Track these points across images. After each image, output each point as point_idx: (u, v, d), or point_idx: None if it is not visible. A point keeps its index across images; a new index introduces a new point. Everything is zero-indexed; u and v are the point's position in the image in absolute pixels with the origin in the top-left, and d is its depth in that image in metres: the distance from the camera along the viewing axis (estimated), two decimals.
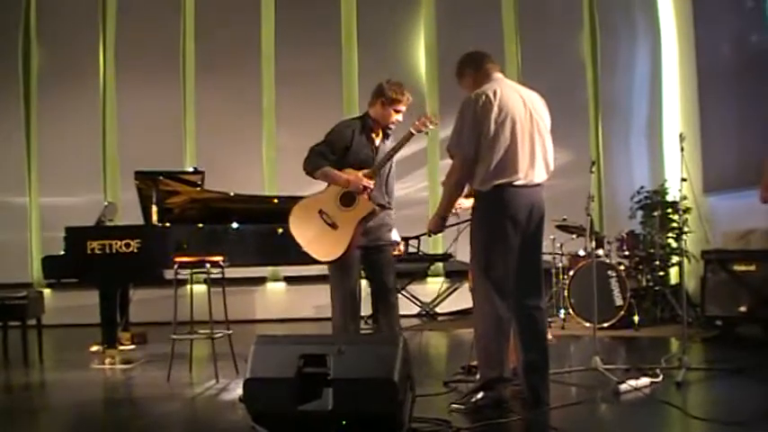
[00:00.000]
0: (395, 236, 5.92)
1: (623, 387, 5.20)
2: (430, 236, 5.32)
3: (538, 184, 4.86)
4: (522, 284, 4.83)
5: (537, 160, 4.83)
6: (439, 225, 5.01)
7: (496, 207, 4.75)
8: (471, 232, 4.91)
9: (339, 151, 5.64)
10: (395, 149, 5.63)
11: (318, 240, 5.62)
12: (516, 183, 4.74)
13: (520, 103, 4.81)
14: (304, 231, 5.69)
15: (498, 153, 4.71)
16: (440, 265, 10.50)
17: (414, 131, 5.65)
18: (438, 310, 10.43)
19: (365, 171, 5.58)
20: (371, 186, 5.56)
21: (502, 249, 4.75)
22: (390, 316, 5.72)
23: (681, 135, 6.05)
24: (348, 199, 5.59)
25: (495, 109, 4.71)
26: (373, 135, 5.78)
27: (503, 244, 4.75)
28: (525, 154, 4.77)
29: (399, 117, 5.75)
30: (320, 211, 5.64)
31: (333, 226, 5.59)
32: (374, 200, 5.62)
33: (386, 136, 5.84)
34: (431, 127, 5.75)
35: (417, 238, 5.99)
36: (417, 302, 10.30)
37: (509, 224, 4.74)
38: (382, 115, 5.73)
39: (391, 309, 5.74)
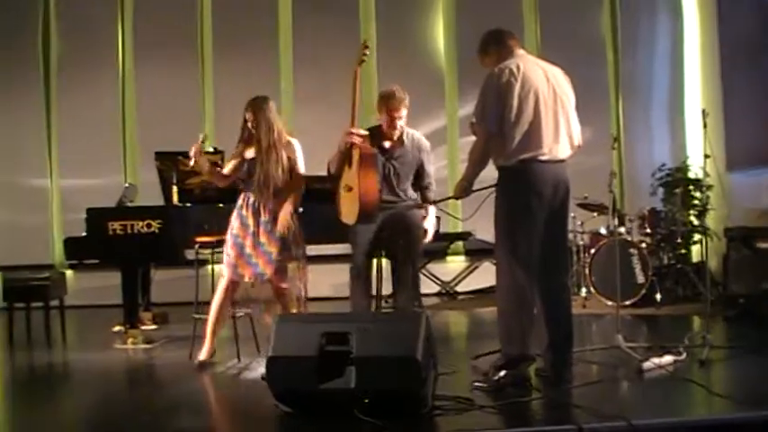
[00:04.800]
0: (429, 224, 6.02)
1: (646, 365, 5.17)
2: (457, 199, 5.34)
3: (562, 160, 4.82)
4: (546, 262, 4.80)
5: (561, 135, 4.80)
6: (466, 190, 5.00)
7: (522, 182, 4.72)
8: (495, 208, 4.88)
9: None
10: (353, 97, 5.80)
11: (346, 208, 5.82)
12: (541, 158, 4.70)
13: (543, 78, 4.78)
14: (342, 209, 5.89)
15: (522, 128, 4.68)
16: (459, 243, 10.48)
17: (357, 68, 5.81)
18: (458, 289, 10.42)
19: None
20: (354, 131, 5.75)
21: (527, 225, 4.72)
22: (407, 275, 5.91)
23: (704, 111, 6.00)
24: (350, 159, 5.81)
25: (519, 83, 4.68)
26: (385, 142, 5.97)
27: (528, 220, 4.72)
28: (549, 129, 4.73)
29: (395, 123, 5.91)
30: (344, 186, 5.83)
31: (350, 189, 5.77)
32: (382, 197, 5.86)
33: (400, 144, 5.97)
34: (367, 52, 5.87)
35: (441, 201, 5.97)
36: (437, 281, 10.29)
37: (534, 200, 4.71)
38: (385, 121, 5.92)
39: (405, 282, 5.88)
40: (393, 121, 5.87)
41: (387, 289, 6.32)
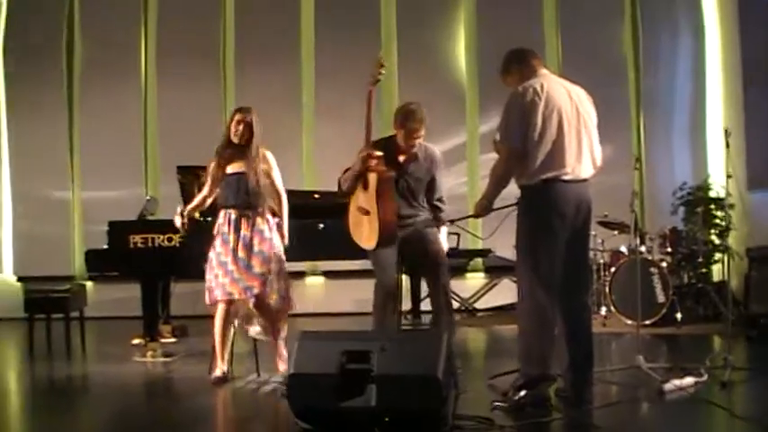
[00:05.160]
0: (443, 238, 5.98)
1: (667, 386, 5.12)
2: (476, 218, 5.31)
3: (585, 180, 4.81)
4: (568, 281, 4.77)
5: (584, 155, 4.78)
6: (486, 208, 4.98)
7: (544, 202, 4.70)
8: (517, 227, 4.87)
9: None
10: (367, 116, 5.70)
11: (364, 232, 5.74)
12: (564, 177, 4.69)
13: (566, 98, 4.77)
14: (357, 232, 5.82)
15: (545, 147, 4.67)
16: (479, 260, 10.46)
17: (371, 87, 5.69)
18: (477, 305, 10.39)
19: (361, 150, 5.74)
20: (372, 154, 5.66)
21: (549, 245, 4.70)
22: (437, 292, 5.79)
23: (726, 131, 5.96)
24: (365, 182, 5.73)
25: (543, 102, 4.67)
26: (399, 156, 5.88)
27: (550, 239, 4.70)
28: (572, 148, 4.72)
29: (413, 143, 5.83)
30: (358, 207, 5.76)
31: (367, 212, 5.69)
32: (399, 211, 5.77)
33: (414, 159, 5.90)
34: (382, 71, 5.73)
35: (460, 220, 5.90)
36: (456, 298, 10.25)
37: (557, 219, 4.69)
38: (402, 138, 5.83)
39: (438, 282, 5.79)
40: (412, 140, 5.81)
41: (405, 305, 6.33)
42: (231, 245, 5.83)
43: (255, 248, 5.82)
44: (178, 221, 6.01)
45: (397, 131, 5.86)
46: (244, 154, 5.90)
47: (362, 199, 5.74)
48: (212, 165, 6.03)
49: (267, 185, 5.93)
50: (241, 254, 5.81)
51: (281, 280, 5.96)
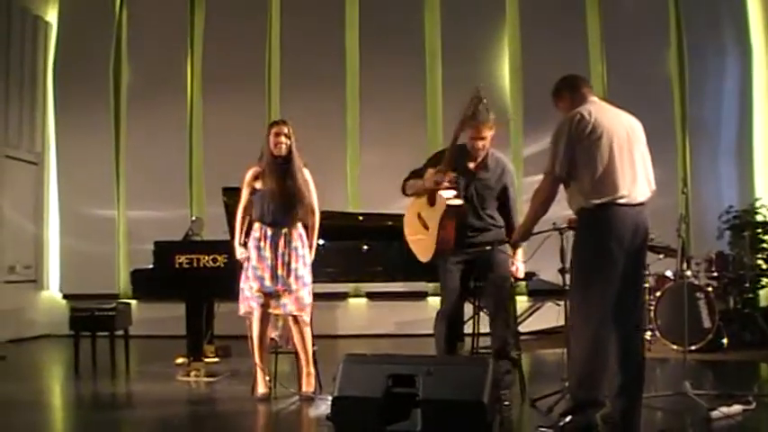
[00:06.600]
0: (518, 263, 5.91)
1: (714, 414, 5.05)
2: (515, 247, 5.26)
3: (641, 203, 4.75)
4: (621, 305, 4.70)
5: (639, 178, 4.72)
6: (525, 236, 4.98)
7: (601, 226, 4.64)
8: (573, 252, 4.82)
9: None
10: (453, 141, 5.57)
11: (418, 241, 5.73)
12: (619, 201, 4.63)
13: (617, 122, 4.74)
14: (410, 233, 5.82)
15: (597, 170, 4.62)
16: (522, 283, 10.37)
17: (465, 118, 5.50)
18: (520, 329, 10.30)
19: (437, 168, 5.61)
20: (444, 178, 5.55)
21: (606, 271, 4.62)
22: (498, 322, 5.70)
23: None
24: (432, 198, 5.66)
25: (591, 127, 4.64)
26: (469, 163, 5.75)
27: (607, 263, 4.62)
28: (626, 172, 4.66)
29: (479, 144, 5.66)
30: (418, 215, 5.73)
31: (426, 226, 5.65)
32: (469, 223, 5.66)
33: (484, 166, 5.78)
34: (480, 108, 5.52)
35: (500, 244, 5.79)
36: None
37: (614, 244, 4.61)
38: (469, 142, 5.71)
39: (499, 314, 5.70)
40: (475, 142, 5.66)
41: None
42: (269, 261, 5.87)
43: (292, 266, 5.87)
44: (242, 254, 6.03)
45: (467, 137, 5.70)
46: (286, 168, 5.94)
47: (426, 212, 5.68)
48: (250, 175, 6.06)
49: (305, 201, 5.97)
50: (280, 271, 5.86)
51: (307, 292, 5.98)
